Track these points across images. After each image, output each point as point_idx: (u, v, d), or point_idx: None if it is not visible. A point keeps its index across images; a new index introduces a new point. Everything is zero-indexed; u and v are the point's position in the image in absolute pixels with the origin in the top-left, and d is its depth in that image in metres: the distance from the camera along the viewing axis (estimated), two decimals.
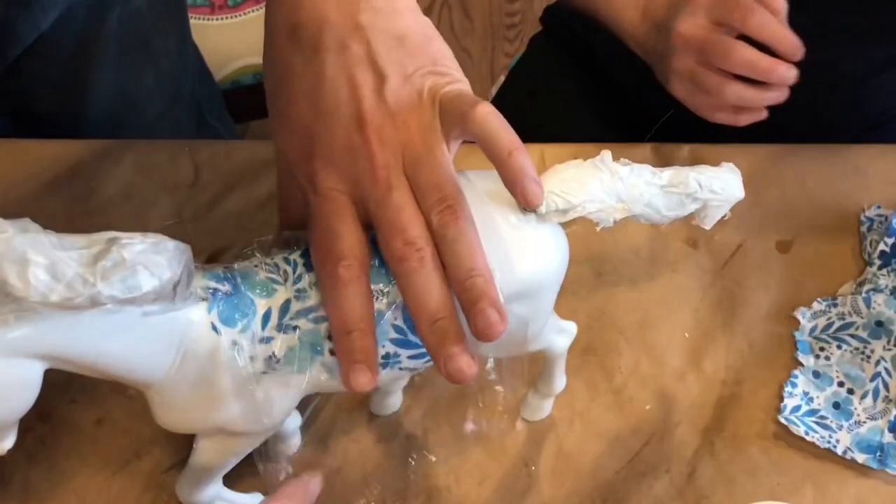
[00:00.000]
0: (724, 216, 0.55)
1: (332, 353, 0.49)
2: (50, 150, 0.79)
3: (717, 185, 0.52)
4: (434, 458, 0.66)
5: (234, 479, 0.60)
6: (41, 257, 0.39)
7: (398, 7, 0.52)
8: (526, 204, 0.48)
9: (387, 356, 0.51)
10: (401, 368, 0.52)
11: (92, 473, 0.65)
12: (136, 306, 0.43)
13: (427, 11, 1.92)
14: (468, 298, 0.47)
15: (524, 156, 0.48)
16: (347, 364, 0.48)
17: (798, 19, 0.76)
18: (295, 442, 0.65)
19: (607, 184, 0.49)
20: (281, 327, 0.49)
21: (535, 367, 0.66)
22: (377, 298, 0.49)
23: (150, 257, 0.41)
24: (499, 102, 1.09)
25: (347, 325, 0.48)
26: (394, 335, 0.50)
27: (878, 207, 0.77)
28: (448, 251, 0.47)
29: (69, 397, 0.67)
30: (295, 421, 0.64)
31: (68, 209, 0.76)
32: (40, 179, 0.77)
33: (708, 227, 0.55)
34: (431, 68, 0.51)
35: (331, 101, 0.50)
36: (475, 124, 0.48)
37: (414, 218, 0.48)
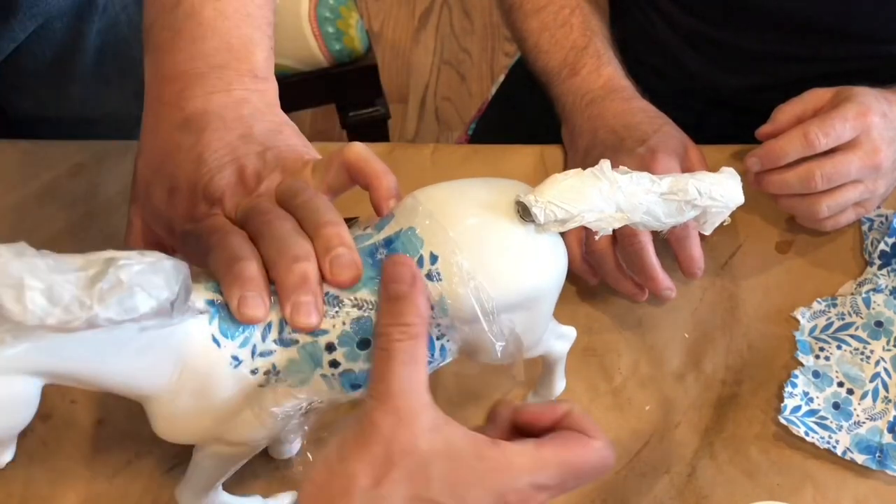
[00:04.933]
0: (724, 222, 0.55)
1: (331, 364, 0.49)
2: (50, 151, 0.79)
3: (717, 191, 0.52)
4: None
5: (235, 482, 0.60)
6: (38, 281, 0.39)
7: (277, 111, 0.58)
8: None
9: None
10: None
11: (92, 474, 0.65)
12: (132, 322, 0.43)
13: (427, 11, 1.94)
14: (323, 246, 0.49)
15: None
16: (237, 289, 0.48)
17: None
18: (295, 445, 0.65)
19: (606, 193, 0.49)
20: (281, 340, 0.49)
21: (534, 370, 0.66)
22: (369, 309, 0.49)
23: (148, 278, 0.41)
24: (499, 102, 1.09)
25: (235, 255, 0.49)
26: None
27: (878, 207, 0.77)
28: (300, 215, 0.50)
29: (70, 398, 0.67)
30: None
31: (69, 210, 0.76)
32: (41, 180, 0.77)
33: (708, 232, 0.55)
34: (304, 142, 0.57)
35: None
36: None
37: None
